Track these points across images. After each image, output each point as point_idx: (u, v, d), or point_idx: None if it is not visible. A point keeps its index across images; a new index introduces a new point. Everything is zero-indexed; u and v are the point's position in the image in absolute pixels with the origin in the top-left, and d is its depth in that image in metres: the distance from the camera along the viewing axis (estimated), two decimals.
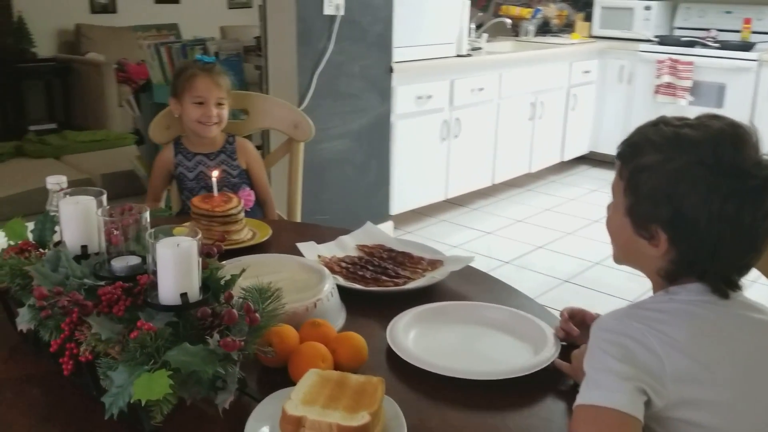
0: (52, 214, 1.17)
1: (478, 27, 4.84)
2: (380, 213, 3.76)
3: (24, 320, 1.02)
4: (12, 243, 1.15)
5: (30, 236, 1.15)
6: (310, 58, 3.11)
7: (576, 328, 1.12)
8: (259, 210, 2.12)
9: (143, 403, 0.81)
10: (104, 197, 1.08)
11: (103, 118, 5.62)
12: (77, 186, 3.99)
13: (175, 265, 0.90)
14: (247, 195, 2.03)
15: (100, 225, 1.03)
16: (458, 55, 4.05)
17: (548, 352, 1.08)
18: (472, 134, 4.23)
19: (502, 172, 4.58)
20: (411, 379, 1.06)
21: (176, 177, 2.06)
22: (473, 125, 4.22)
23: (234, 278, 1.03)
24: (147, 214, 1.02)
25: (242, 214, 1.54)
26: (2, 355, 1.11)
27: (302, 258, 1.34)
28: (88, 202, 1.06)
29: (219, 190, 2.03)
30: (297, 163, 2.15)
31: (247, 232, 1.55)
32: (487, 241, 3.94)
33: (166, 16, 6.50)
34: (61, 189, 1.24)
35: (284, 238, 1.59)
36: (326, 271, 1.26)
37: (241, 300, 0.95)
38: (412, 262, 1.43)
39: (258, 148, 3.31)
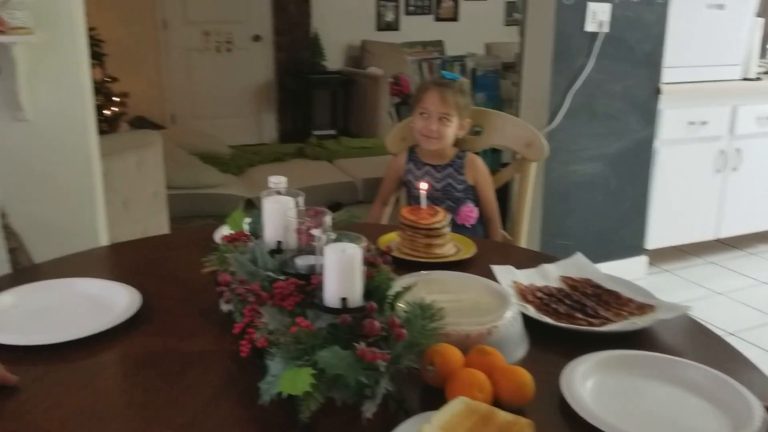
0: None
1: None
2: (633, 245, 3.49)
3: (225, 303, 1.13)
4: (231, 232, 1.28)
5: (246, 228, 1.27)
6: (565, 75, 3.01)
7: None
8: (482, 228, 2.10)
9: (284, 395, 0.84)
10: (301, 199, 1.16)
11: (374, 126, 6.05)
12: (339, 188, 4.33)
13: (339, 269, 0.93)
14: (469, 211, 2.03)
15: (291, 224, 1.10)
16: (744, 79, 3.60)
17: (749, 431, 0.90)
18: (756, 168, 3.73)
19: None
20: (578, 430, 0.96)
21: (404, 184, 2.13)
22: (757, 158, 3.72)
23: (404, 291, 1.03)
24: (329, 218, 1.06)
25: (447, 229, 1.53)
26: (211, 330, 1.24)
27: (492, 282, 1.29)
28: (287, 201, 1.14)
29: (442, 202, 2.06)
30: (526, 184, 2.09)
31: (450, 247, 1.54)
32: (763, 292, 3.43)
33: (442, 33, 6.78)
34: (277, 190, 1.35)
35: (489, 260, 1.54)
36: (512, 297, 1.19)
37: (400, 313, 0.95)
38: (619, 303, 1.30)
39: (504, 165, 3.30)
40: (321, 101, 6.35)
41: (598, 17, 2.92)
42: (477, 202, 2.08)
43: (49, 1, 2.17)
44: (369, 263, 0.97)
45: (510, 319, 1.14)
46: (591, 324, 1.21)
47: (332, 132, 6.25)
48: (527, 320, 1.20)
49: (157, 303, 1.32)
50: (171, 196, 3.82)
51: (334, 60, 6.54)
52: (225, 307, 1.15)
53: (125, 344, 1.18)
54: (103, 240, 2.56)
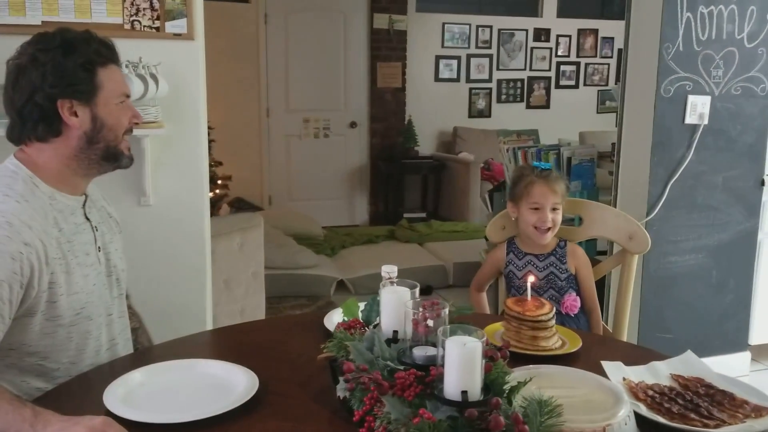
0: (380, 299, 1.34)
1: None
2: (736, 340, 3.34)
3: (342, 388, 1.18)
4: (346, 319, 1.35)
5: (360, 315, 1.34)
6: (664, 166, 3.00)
7: None
8: (584, 318, 2.09)
9: None
10: (417, 290, 1.21)
11: (465, 211, 6.12)
12: (430, 271, 4.37)
13: (459, 362, 0.97)
14: (573, 300, 2.03)
15: (407, 314, 1.16)
16: None
17: None
18: None
19: None
20: None
21: (505, 275, 2.16)
22: None
23: (519, 385, 1.05)
24: (447, 310, 1.11)
25: (553, 321, 1.54)
26: (325, 415, 1.30)
27: (603, 378, 1.29)
28: (404, 292, 1.20)
29: (545, 292, 2.08)
30: (629, 275, 2.08)
31: (556, 340, 1.55)
32: None
33: (535, 121, 6.90)
34: (390, 278, 1.42)
35: (595, 354, 1.54)
36: (626, 396, 1.19)
37: (517, 408, 0.97)
38: (733, 404, 1.27)
39: (603, 254, 3.27)
40: (412, 185, 6.49)
41: (698, 110, 2.92)
42: (578, 292, 2.08)
43: (177, 98, 2.39)
44: (488, 357, 1.01)
45: (624, 417, 1.14)
46: (706, 425, 1.19)
47: (422, 215, 6.36)
48: (639, 419, 1.19)
49: (273, 386, 1.38)
50: (267, 276, 3.97)
51: (426, 145, 6.73)
52: (341, 393, 1.20)
53: (244, 426, 1.24)
54: (209, 318, 2.68)
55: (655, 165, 2.99)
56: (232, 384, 1.36)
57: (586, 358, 1.51)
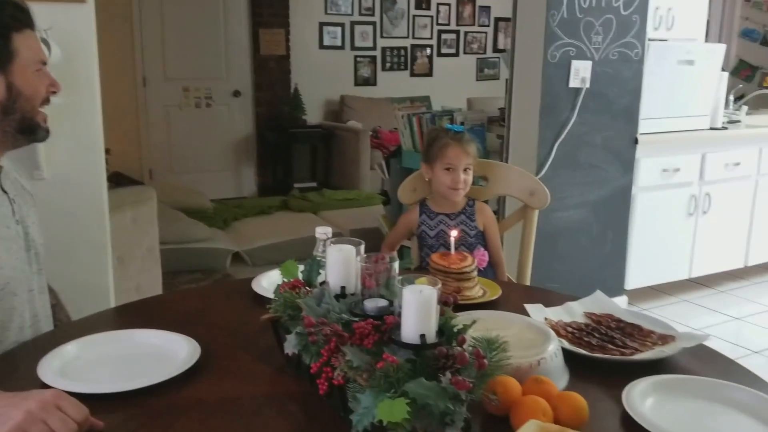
0: (319, 258, 1.38)
1: (739, 99, 4.56)
2: (614, 286, 3.65)
3: (290, 345, 1.21)
4: (286, 280, 1.37)
5: (300, 276, 1.37)
6: (551, 128, 3.20)
7: None
8: (491, 271, 2.22)
9: (385, 423, 0.93)
10: (362, 247, 1.26)
11: (356, 179, 6.20)
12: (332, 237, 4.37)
13: (417, 309, 1.03)
14: (482, 255, 2.16)
15: (357, 270, 1.21)
16: (712, 128, 3.85)
17: None
18: (724, 211, 3.96)
19: (757, 253, 4.20)
20: None
21: (418, 235, 2.25)
22: (726, 202, 3.95)
23: (466, 327, 1.13)
24: (396, 264, 1.17)
25: (475, 273, 1.65)
26: (271, 373, 1.33)
27: (530, 318, 1.41)
28: (349, 250, 1.24)
29: (456, 248, 2.19)
30: (531, 229, 2.23)
31: (478, 289, 1.66)
32: (734, 327, 3.62)
33: (420, 88, 7.05)
34: (328, 238, 1.46)
35: (513, 299, 1.67)
36: (552, 332, 1.31)
37: (471, 347, 1.05)
38: (642, 334, 1.42)
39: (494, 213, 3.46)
40: (301, 155, 6.47)
41: (580, 74, 3.14)
42: (485, 246, 2.21)
43: (69, 65, 2.27)
44: (442, 302, 1.08)
45: (553, 351, 1.25)
46: (623, 354, 1.33)
47: (313, 185, 6.37)
48: (565, 353, 1.32)
49: (214, 351, 1.39)
50: (161, 251, 3.86)
51: (314, 114, 6.72)
52: (290, 350, 1.23)
53: (195, 390, 1.25)
54: (111, 295, 2.59)
55: (543, 128, 3.18)
56: (173, 352, 1.35)
57: (507, 303, 1.63)
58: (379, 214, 4.44)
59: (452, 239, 1.67)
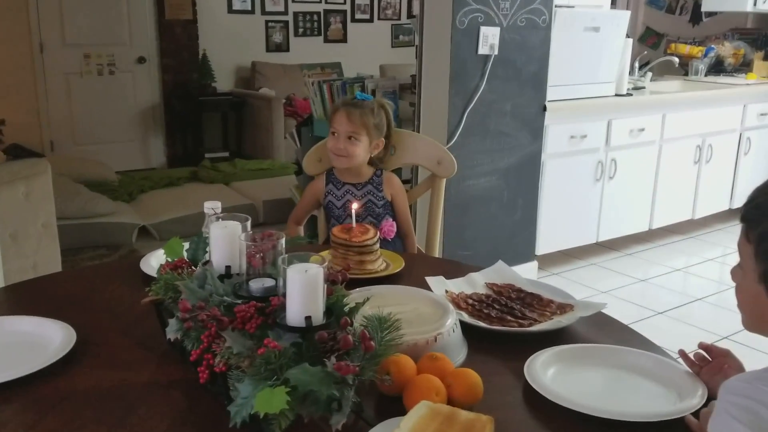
0: (206, 236, 1.29)
1: (644, 66, 4.67)
2: (525, 253, 3.70)
3: (172, 330, 1.13)
4: (170, 260, 1.28)
5: (185, 255, 1.28)
6: (461, 96, 3.17)
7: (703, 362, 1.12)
8: (400, 242, 2.18)
9: (262, 415, 0.87)
10: (248, 223, 1.18)
11: (269, 148, 6.04)
12: (240, 210, 4.29)
13: (302, 289, 0.96)
14: (390, 225, 2.11)
15: (242, 248, 1.12)
16: (617, 95, 3.93)
17: (695, 401, 1.04)
18: (630, 176, 4.07)
19: (661, 217, 4.35)
20: (543, 418, 1.05)
21: (325, 206, 2.18)
22: (631, 167, 4.06)
23: (358, 306, 1.08)
24: (283, 241, 1.10)
25: (377, 245, 1.60)
26: (154, 360, 1.24)
27: (429, 292, 1.37)
28: (234, 227, 1.16)
29: (364, 219, 2.13)
30: (438, 198, 2.19)
31: (381, 262, 1.61)
32: (640, 289, 3.74)
33: (333, 54, 6.91)
34: (215, 213, 1.37)
35: (417, 271, 1.63)
36: (450, 306, 1.27)
37: (359, 327, 1.00)
38: (541, 304, 1.41)
39: (407, 182, 3.41)
40: (212, 123, 6.25)
41: (489, 41, 3.11)
42: (394, 216, 2.17)
43: None
44: (330, 281, 1.02)
45: (451, 326, 1.22)
46: (521, 325, 1.31)
47: (225, 154, 6.18)
48: (464, 326, 1.29)
49: (93, 338, 1.29)
50: (60, 228, 3.65)
51: (224, 81, 6.48)
52: (172, 335, 1.15)
53: (68, 380, 1.15)
54: (0, 275, 2.42)
55: (453, 95, 3.15)
56: (46, 339, 1.25)
57: (409, 276, 1.59)
58: (293, 184, 4.33)
59: (353, 211, 1.61)
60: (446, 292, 1.43)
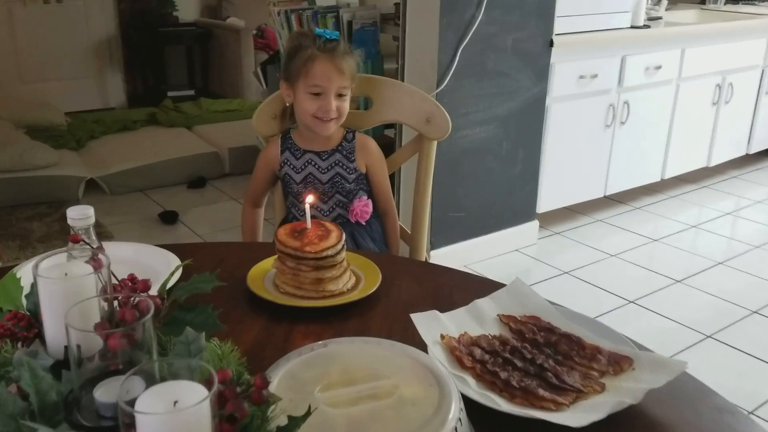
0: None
1: None
2: (525, 211, 3.25)
3: None
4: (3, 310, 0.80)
5: (24, 302, 0.80)
6: (454, 30, 2.63)
7: None
8: (377, 223, 1.70)
9: None
10: (107, 268, 0.69)
11: (239, 86, 5.46)
12: (203, 160, 3.76)
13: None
14: (364, 205, 1.63)
15: (93, 312, 0.64)
16: (633, 27, 3.39)
17: None
18: (643, 121, 3.58)
19: (674, 165, 3.89)
20: None
21: (281, 178, 1.68)
22: (645, 110, 3.56)
23: (297, 421, 0.61)
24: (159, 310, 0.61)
25: (343, 254, 1.11)
26: None
27: (418, 353, 0.87)
28: (81, 276, 0.67)
29: (330, 198, 1.64)
30: (427, 166, 1.70)
31: (347, 278, 1.12)
32: (650, 251, 3.31)
33: None
34: (88, 227, 0.88)
35: (398, 287, 1.15)
36: (452, 385, 0.80)
37: None
38: (583, 354, 0.95)
39: (389, 144, 2.89)
40: (175, 58, 5.62)
41: None
42: (369, 191, 1.68)
43: None
44: (227, 415, 0.54)
45: (454, 423, 0.75)
46: (557, 404, 0.85)
47: (190, 92, 5.58)
48: (469, 404, 0.82)
49: None
50: None
51: (187, 10, 5.80)
52: None
53: None
54: None
55: (445, 28, 2.61)
56: None
57: (389, 299, 1.12)
58: None
59: (307, 207, 1.12)
60: (442, 338, 0.96)
